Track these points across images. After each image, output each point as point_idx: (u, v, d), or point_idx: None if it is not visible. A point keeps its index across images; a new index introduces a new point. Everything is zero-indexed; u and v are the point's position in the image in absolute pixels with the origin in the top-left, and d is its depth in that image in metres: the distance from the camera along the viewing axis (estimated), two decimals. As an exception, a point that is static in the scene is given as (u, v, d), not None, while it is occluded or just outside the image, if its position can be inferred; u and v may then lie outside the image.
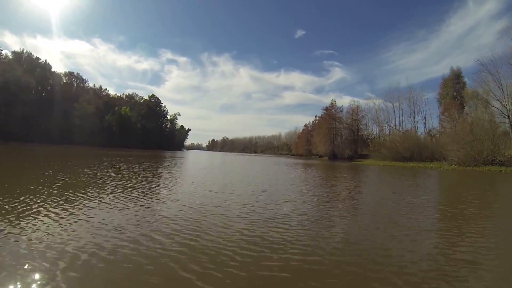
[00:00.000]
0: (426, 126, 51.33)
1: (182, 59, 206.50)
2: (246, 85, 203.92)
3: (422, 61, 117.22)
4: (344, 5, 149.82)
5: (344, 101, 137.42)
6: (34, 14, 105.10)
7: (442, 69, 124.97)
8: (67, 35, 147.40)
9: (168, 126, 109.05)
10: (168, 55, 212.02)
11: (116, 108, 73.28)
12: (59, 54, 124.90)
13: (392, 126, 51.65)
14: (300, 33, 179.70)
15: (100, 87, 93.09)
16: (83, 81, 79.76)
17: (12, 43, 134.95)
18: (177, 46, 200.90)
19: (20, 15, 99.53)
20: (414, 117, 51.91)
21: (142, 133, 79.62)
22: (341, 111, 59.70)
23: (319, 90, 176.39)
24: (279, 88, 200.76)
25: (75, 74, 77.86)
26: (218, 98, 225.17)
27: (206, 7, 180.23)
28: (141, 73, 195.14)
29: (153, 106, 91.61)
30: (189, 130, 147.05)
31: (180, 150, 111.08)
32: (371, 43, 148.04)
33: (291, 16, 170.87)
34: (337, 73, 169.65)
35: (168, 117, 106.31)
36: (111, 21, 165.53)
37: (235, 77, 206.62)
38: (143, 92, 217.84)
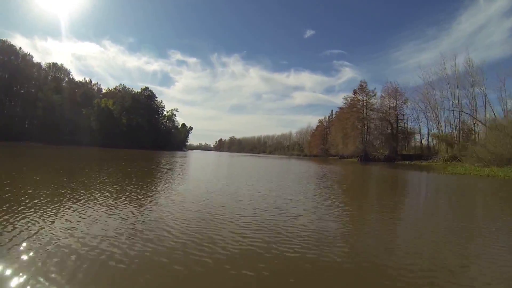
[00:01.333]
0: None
1: (192, 60, 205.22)
2: (256, 86, 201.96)
3: (432, 60, 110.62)
4: (353, 4, 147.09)
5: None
6: (44, 17, 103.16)
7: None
8: (77, 37, 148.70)
9: (166, 123, 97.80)
10: (178, 56, 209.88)
11: (95, 101, 61.95)
12: (70, 56, 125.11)
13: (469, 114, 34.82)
14: (309, 33, 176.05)
15: (90, 81, 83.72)
16: (66, 73, 69.59)
17: (23, 46, 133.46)
18: (187, 47, 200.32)
19: (31, 18, 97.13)
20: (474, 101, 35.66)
21: (129, 130, 67.97)
22: (374, 95, 45.09)
23: (329, 90, 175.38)
24: (289, 89, 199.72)
25: (58, 65, 67.63)
26: (228, 98, 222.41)
27: (215, 8, 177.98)
28: (151, 74, 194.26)
29: (144, 99, 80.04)
30: (191, 128, 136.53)
31: (182, 150, 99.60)
32: (380, 42, 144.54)
33: (300, 16, 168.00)
34: (347, 73, 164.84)
35: (165, 113, 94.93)
36: (120, 23, 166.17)
37: (245, 78, 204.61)
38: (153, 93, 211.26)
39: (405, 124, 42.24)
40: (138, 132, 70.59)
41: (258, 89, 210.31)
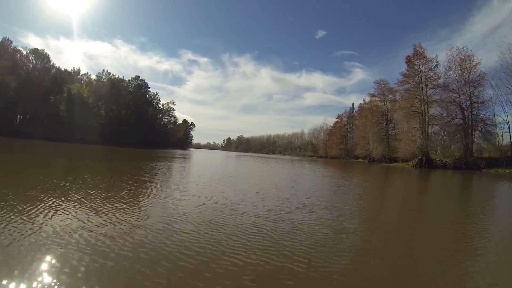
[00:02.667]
0: None
1: (203, 60, 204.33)
2: (267, 86, 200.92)
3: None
4: (365, 5, 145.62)
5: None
6: (57, 17, 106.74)
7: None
8: (89, 36, 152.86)
9: (162, 117, 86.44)
10: (189, 55, 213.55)
11: (65, 87, 50.76)
12: (82, 55, 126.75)
13: None
14: (321, 33, 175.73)
15: (78, 70, 73.47)
16: (46, 58, 58.97)
17: (36, 45, 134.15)
18: (198, 46, 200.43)
19: (44, 18, 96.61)
20: None
21: (108, 123, 56.50)
22: (436, 65, 30.20)
23: (340, 91, 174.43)
24: (300, 89, 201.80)
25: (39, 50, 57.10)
26: (239, 98, 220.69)
27: (226, 8, 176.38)
28: (162, 74, 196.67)
29: (134, 88, 68.66)
30: (193, 125, 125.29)
31: (183, 148, 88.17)
32: (392, 43, 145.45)
33: (311, 16, 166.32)
34: (358, 74, 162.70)
35: (160, 105, 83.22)
36: (132, 22, 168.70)
37: (256, 78, 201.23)
38: (164, 92, 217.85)
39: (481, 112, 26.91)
40: (121, 126, 59.08)
41: (269, 90, 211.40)
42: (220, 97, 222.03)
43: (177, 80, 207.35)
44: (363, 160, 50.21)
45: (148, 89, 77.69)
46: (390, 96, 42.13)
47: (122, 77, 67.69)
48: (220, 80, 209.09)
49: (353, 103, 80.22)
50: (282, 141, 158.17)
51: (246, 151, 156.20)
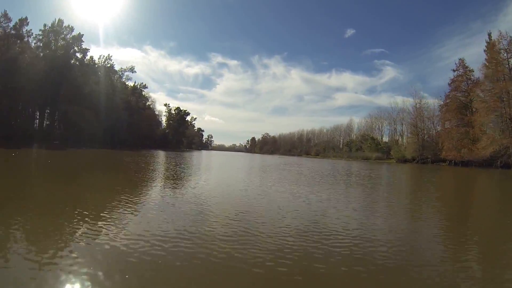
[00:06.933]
0: None
1: (233, 62, 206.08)
2: (297, 87, 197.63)
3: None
4: (393, 0, 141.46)
5: (397, 100, 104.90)
6: (87, 27, 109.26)
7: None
8: (119, 43, 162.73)
9: (131, 100, 57.56)
10: (219, 58, 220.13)
11: None
12: (113, 62, 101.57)
13: None
14: (349, 32, 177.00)
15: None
16: None
17: None
18: (227, 49, 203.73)
19: (75, 26, 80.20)
20: None
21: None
22: None
23: (371, 91, 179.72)
24: (331, 89, 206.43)
25: None
26: (270, 100, 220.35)
27: (253, 10, 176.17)
28: (192, 77, 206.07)
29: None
30: (194, 119, 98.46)
31: (179, 149, 60.01)
32: (422, 39, 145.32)
33: (340, 15, 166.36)
34: (389, 72, 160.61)
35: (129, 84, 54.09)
36: (160, 28, 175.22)
37: (287, 79, 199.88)
38: (195, 96, 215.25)
39: None
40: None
41: (300, 91, 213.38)
42: (250, 99, 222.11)
43: (208, 84, 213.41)
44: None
45: (89, 59, 49.27)
46: None
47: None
48: (251, 82, 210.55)
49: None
50: (318, 138, 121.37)
51: (272, 153, 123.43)
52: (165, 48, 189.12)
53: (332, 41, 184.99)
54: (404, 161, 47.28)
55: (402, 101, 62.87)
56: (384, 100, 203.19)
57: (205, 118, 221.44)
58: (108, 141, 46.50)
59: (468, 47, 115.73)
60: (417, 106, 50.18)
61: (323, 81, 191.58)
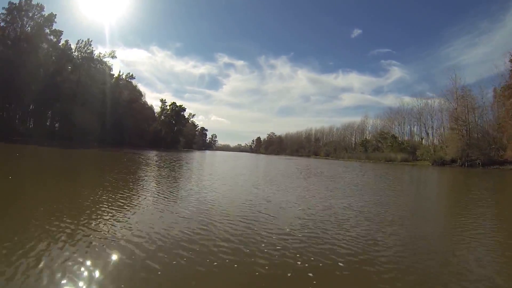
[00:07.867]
0: None
1: (239, 63, 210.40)
2: (304, 87, 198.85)
3: (486, 55, 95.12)
4: (400, 0, 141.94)
5: (404, 101, 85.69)
6: (93, 27, 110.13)
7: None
8: (126, 44, 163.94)
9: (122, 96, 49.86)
10: (225, 59, 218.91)
11: None
12: (119, 62, 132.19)
13: None
14: (356, 32, 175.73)
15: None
16: None
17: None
18: (234, 50, 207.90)
19: (82, 28, 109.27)
20: None
21: None
22: None
23: (377, 91, 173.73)
24: (337, 90, 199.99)
25: None
26: (276, 100, 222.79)
27: (259, 11, 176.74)
28: (198, 78, 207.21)
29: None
30: (192, 115, 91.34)
31: (177, 149, 52.13)
32: (429, 39, 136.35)
33: (346, 15, 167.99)
34: (396, 72, 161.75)
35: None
36: (167, 29, 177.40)
37: (293, 80, 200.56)
38: (201, 96, 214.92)
39: None
40: None
41: (306, 91, 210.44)
42: (257, 100, 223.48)
43: (214, 84, 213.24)
44: None
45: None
46: None
47: None
48: (257, 83, 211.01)
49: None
50: (327, 137, 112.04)
51: (277, 154, 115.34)
52: (172, 48, 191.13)
53: (338, 42, 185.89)
54: (442, 163, 38.11)
55: (415, 100, 55.85)
56: (391, 100, 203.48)
57: (212, 118, 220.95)
58: (80, 138, 38.99)
59: (476, 47, 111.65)
60: (457, 95, 40.22)
61: (329, 82, 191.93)
